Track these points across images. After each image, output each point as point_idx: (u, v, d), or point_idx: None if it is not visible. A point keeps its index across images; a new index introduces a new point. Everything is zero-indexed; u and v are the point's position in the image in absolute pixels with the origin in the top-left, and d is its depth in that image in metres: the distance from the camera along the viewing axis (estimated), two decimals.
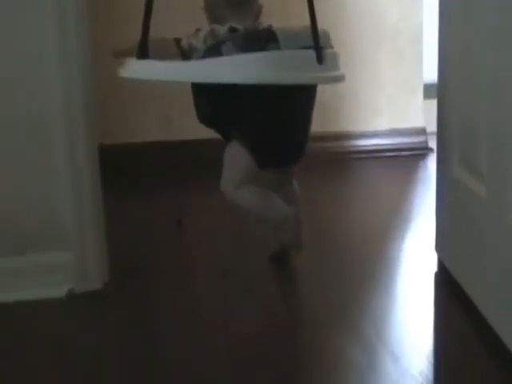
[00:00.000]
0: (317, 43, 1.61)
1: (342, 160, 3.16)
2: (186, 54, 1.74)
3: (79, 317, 1.71)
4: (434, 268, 1.90)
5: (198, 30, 1.79)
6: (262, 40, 1.65)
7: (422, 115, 3.29)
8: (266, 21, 1.84)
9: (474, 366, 1.40)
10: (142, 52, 1.62)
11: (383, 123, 3.30)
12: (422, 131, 3.30)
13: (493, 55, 1.43)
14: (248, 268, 1.94)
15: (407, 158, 3.22)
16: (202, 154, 2.92)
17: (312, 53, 1.60)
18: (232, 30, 1.72)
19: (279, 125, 1.79)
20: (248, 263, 1.97)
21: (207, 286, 1.84)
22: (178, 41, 1.77)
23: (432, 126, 1.94)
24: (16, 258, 1.78)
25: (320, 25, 1.67)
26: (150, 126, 3.13)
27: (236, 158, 1.81)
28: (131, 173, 2.98)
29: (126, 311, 1.71)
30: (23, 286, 1.77)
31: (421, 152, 3.24)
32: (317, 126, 1.97)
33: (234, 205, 1.88)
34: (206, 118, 1.87)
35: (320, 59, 1.60)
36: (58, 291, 1.78)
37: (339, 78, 1.68)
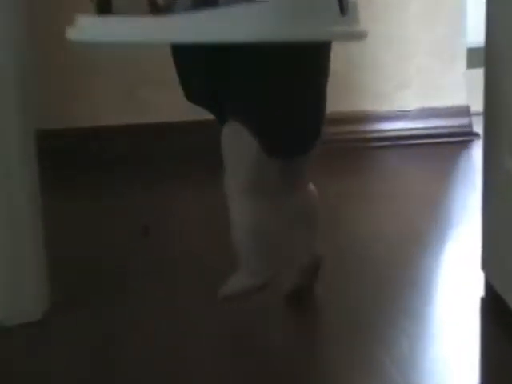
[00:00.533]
0: None
1: (359, 149, 3.20)
2: (161, 11, 1.63)
3: (9, 354, 1.73)
4: (480, 291, 1.88)
5: None
6: None
7: (463, 90, 3.28)
8: None
9: None
10: (103, 4, 1.56)
11: (412, 101, 3.28)
12: (463, 111, 3.29)
13: None
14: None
15: (444, 147, 3.21)
16: (174, 141, 3.03)
17: (333, 1, 1.55)
18: None
19: (292, 97, 1.75)
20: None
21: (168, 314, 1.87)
22: None
23: (477, 105, 1.91)
24: None
25: None
26: (107, 105, 3.13)
27: (240, 145, 1.75)
28: (82, 165, 3.02)
29: (66, 347, 1.76)
30: None
31: (462, 138, 3.26)
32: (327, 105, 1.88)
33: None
34: (197, 94, 1.81)
35: (343, 9, 1.58)
36: None
37: (363, 34, 1.66)
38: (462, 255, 2.11)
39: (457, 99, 3.29)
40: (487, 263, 1.88)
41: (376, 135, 3.25)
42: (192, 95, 1.82)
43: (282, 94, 1.73)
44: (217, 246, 2.15)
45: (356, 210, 2.52)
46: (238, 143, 1.75)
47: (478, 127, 2.62)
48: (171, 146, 3.08)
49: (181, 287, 1.99)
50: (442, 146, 3.21)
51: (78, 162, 3.04)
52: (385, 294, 1.93)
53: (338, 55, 1.74)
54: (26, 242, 1.82)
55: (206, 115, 1.84)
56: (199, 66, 1.77)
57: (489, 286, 1.85)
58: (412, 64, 3.26)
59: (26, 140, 1.81)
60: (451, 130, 3.27)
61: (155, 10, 1.65)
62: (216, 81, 1.75)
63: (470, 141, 3.19)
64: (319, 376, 1.61)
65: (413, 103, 3.28)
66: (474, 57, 2.97)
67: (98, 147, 3.09)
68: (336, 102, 1.79)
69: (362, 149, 3.18)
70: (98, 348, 1.71)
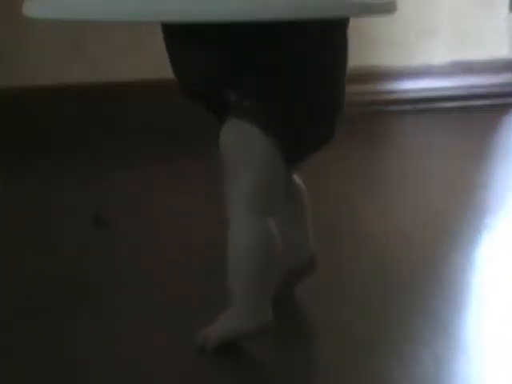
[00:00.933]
0: None
1: (377, 115, 3.19)
2: None
3: None
4: None
5: None
6: None
7: (506, 39, 3.25)
8: None
9: None
10: None
11: (440, 53, 3.27)
12: (507, 66, 3.26)
13: None
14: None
15: (481, 112, 3.18)
16: (130, 104, 3.08)
17: None
18: None
19: (312, 87, 1.78)
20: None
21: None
22: None
23: None
24: None
25: None
26: (53, 60, 3.17)
27: (249, 147, 1.76)
28: (19, 134, 3.05)
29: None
30: None
31: (505, 101, 3.21)
32: None
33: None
34: (198, 85, 1.82)
35: None
36: None
37: (393, 7, 1.70)
38: (500, 252, 2.11)
39: (497, 51, 3.29)
40: None
41: (393, 96, 3.28)
42: (190, 90, 1.87)
43: (298, 87, 1.80)
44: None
45: (366, 196, 2.51)
46: (245, 143, 1.79)
47: None
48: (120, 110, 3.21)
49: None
50: (477, 112, 3.19)
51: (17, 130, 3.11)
52: (403, 298, 1.96)
53: None
54: None
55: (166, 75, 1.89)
56: (201, 58, 1.82)
57: None
58: (440, 6, 3.27)
59: None
60: (490, 91, 3.26)
61: None
62: (222, 74, 1.80)
63: None
64: None
65: (441, 56, 3.30)
66: None
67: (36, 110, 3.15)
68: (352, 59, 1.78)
69: (375, 114, 3.21)
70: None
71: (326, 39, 1.80)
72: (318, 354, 1.85)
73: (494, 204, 2.44)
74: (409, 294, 1.96)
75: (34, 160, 2.97)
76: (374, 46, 3.29)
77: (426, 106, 3.22)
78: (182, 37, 1.82)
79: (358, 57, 2.98)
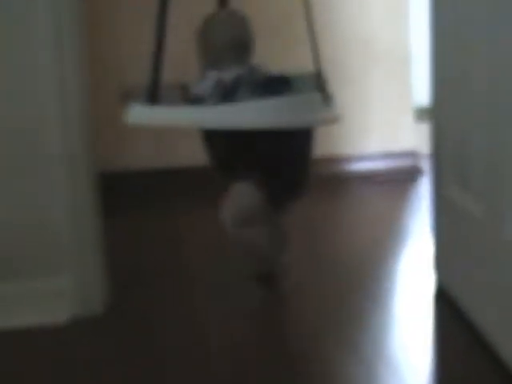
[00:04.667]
0: (323, 87, 1.75)
1: (334, 183, 3.21)
2: (194, 101, 1.79)
3: (82, 341, 1.78)
4: (433, 287, 1.99)
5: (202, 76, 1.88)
6: (277, 84, 1.74)
7: (412, 137, 3.40)
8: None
9: (474, 382, 1.46)
10: (153, 97, 1.65)
11: (375, 146, 3.40)
12: (412, 153, 3.39)
13: (486, 75, 1.55)
14: (245, 286, 2.02)
15: (399, 181, 3.26)
16: (196, 180, 3.02)
17: (319, 95, 1.72)
18: (237, 78, 1.80)
19: (292, 159, 1.89)
20: (244, 281, 2.04)
21: (207, 308, 1.92)
22: (183, 87, 1.84)
23: (422, 149, 1.97)
24: (16, 284, 1.90)
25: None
26: (144, 152, 3.21)
27: (245, 196, 1.84)
28: (131, 198, 3.07)
29: (128, 334, 1.79)
30: (25, 311, 1.88)
31: (412, 175, 3.32)
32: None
33: (235, 241, 1.93)
34: (223, 162, 1.91)
35: (327, 101, 1.73)
36: (61, 316, 1.87)
37: (339, 117, 1.78)
38: (418, 260, 2.21)
39: (407, 144, 3.39)
40: (437, 265, 2.02)
41: (345, 172, 3.33)
42: (221, 169, 1.93)
43: (286, 158, 1.86)
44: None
45: (331, 229, 2.60)
46: (246, 194, 1.83)
47: (424, 166, 2.65)
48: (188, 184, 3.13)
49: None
50: (397, 180, 3.26)
51: (123, 194, 3.05)
52: (358, 288, 2.01)
53: None
54: (93, 254, 1.91)
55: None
56: (228, 141, 1.83)
57: (439, 283, 1.98)
58: (374, 117, 3.39)
59: (89, 178, 1.91)
60: (403, 168, 3.36)
61: (188, 100, 1.78)
62: (240, 152, 1.84)
63: (418, 176, 3.31)
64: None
65: (374, 147, 3.39)
66: (419, 112, 3.05)
67: (135, 185, 3.15)
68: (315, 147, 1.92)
69: (335, 183, 3.21)
70: (147, 340, 1.76)
71: (299, 137, 1.86)
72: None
73: (411, 236, 2.50)
74: (359, 290, 2.00)
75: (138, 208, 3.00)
76: (334, 140, 3.31)
77: (367, 178, 3.30)
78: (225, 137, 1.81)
79: (325, 147, 3.12)
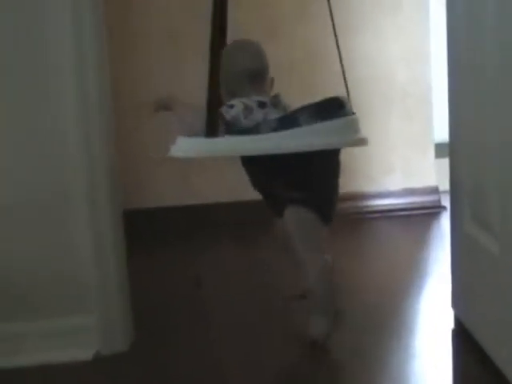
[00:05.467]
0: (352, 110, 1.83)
1: (357, 219, 3.19)
2: (229, 127, 1.78)
3: (106, 378, 1.78)
4: (451, 324, 1.97)
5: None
6: (336, 108, 1.77)
7: (434, 174, 3.39)
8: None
9: None
10: (212, 130, 1.71)
11: (397, 183, 3.39)
12: (434, 190, 3.39)
13: (503, 113, 1.54)
14: (265, 323, 2.03)
15: (421, 217, 3.25)
16: (219, 217, 3.06)
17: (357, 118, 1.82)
18: (261, 103, 1.84)
19: (332, 186, 1.93)
20: (265, 318, 2.06)
21: (231, 346, 1.92)
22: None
23: (445, 185, 1.99)
24: (42, 322, 1.91)
25: (334, 88, 1.86)
26: (168, 190, 3.22)
27: (306, 221, 1.86)
28: (148, 236, 3.05)
29: (152, 372, 1.79)
30: (51, 348, 1.89)
31: (434, 210, 3.30)
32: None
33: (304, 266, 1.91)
34: (274, 190, 1.90)
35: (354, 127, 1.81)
36: (85, 353, 1.89)
37: (366, 141, 1.84)
38: (437, 297, 2.20)
39: (429, 181, 3.39)
40: (455, 303, 2.02)
41: (369, 209, 3.33)
42: (271, 202, 1.94)
43: (328, 185, 1.91)
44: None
45: (354, 265, 2.55)
46: (301, 218, 1.84)
47: (446, 202, 2.66)
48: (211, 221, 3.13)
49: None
50: (419, 217, 3.27)
51: (147, 230, 3.08)
52: (378, 324, 2.01)
53: (342, 150, 1.85)
54: (117, 292, 1.93)
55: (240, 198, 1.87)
56: (280, 167, 1.82)
57: (457, 320, 1.97)
58: (396, 155, 3.40)
59: (113, 216, 1.92)
60: (425, 205, 3.34)
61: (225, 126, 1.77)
62: (291, 177, 1.84)
63: (440, 212, 3.28)
64: None
65: (397, 184, 3.40)
66: (441, 149, 3.05)
67: (161, 222, 3.17)
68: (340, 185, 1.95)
69: (358, 219, 3.21)
70: (169, 377, 1.77)
71: (330, 158, 1.88)
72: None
73: (430, 273, 2.49)
74: (379, 327, 2.00)
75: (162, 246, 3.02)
76: (358, 178, 3.31)
77: (390, 214, 3.32)
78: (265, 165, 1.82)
79: (349, 185, 3.14)
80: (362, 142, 1.81)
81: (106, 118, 1.91)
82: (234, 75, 1.89)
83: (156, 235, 3.12)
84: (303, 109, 1.78)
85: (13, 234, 1.88)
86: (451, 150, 1.98)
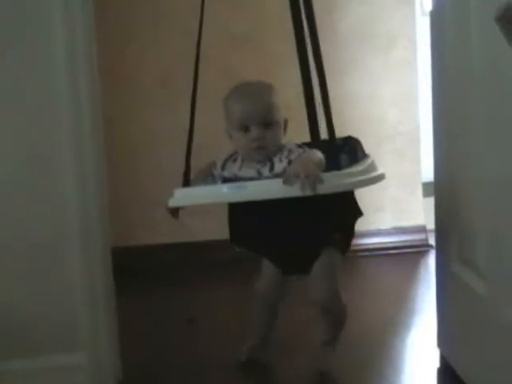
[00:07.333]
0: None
1: (346, 258, 3.06)
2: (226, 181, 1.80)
3: None
4: (437, 363, 1.96)
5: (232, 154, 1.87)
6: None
7: (421, 213, 3.39)
8: None
9: None
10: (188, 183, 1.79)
11: (386, 221, 3.40)
12: (422, 229, 3.40)
13: (488, 153, 1.54)
14: (263, 365, 2.01)
15: (409, 255, 3.25)
16: (211, 255, 3.07)
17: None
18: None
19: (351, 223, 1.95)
20: (264, 359, 2.03)
21: None
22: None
23: (433, 224, 1.98)
24: (30, 360, 1.88)
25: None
26: (158, 228, 3.16)
27: (339, 264, 1.90)
28: (141, 274, 3.05)
29: None
30: None
31: (422, 249, 3.30)
32: None
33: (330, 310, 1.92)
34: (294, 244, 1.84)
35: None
36: None
37: (383, 176, 1.85)
38: (423, 335, 2.19)
39: (417, 220, 3.41)
40: (441, 341, 2.01)
41: (358, 247, 3.25)
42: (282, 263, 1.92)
43: (349, 224, 1.93)
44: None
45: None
46: (336, 260, 1.87)
47: (433, 241, 2.64)
48: (202, 259, 3.14)
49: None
50: (407, 255, 3.26)
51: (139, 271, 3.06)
52: (363, 363, 2.00)
53: None
54: (106, 330, 1.91)
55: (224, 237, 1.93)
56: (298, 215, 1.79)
57: (443, 359, 1.96)
58: (385, 194, 3.38)
59: (103, 255, 1.91)
60: (413, 243, 3.35)
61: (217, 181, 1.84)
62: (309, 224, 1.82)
63: (427, 251, 3.27)
64: None
65: (386, 223, 3.41)
66: (429, 188, 3.03)
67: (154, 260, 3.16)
68: None
69: (347, 258, 3.11)
70: None
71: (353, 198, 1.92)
72: None
73: (417, 311, 2.48)
74: (364, 365, 1.99)
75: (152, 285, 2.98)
76: None
77: (378, 253, 3.30)
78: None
79: None
80: (383, 176, 1.81)
81: (100, 157, 1.90)
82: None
83: (150, 273, 3.09)
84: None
85: (9, 272, 1.86)
86: (436, 189, 1.97)
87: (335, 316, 1.95)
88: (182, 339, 2.27)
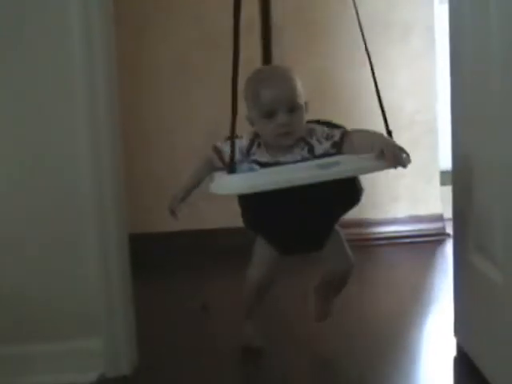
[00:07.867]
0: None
1: (363, 246, 3.13)
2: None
3: None
4: (453, 352, 1.96)
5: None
6: None
7: (439, 202, 3.38)
8: None
9: None
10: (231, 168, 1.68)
11: (402, 210, 3.39)
12: (439, 217, 3.38)
13: (506, 141, 1.53)
14: (272, 348, 2.00)
15: (426, 244, 3.24)
16: (224, 242, 3.08)
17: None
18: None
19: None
20: (272, 343, 2.03)
21: (237, 372, 1.93)
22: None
23: (450, 212, 1.97)
24: (47, 345, 1.90)
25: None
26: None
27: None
28: (154, 260, 3.03)
29: None
30: (55, 370, 1.89)
31: (438, 238, 3.29)
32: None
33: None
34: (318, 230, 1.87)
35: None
36: (89, 376, 1.88)
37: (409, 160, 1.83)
38: (439, 324, 2.18)
39: (434, 209, 3.39)
40: (458, 331, 2.01)
41: (375, 236, 3.31)
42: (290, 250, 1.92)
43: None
44: None
45: (358, 292, 2.50)
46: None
47: (450, 229, 2.62)
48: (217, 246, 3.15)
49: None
50: (423, 244, 3.25)
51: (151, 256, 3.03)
52: (380, 353, 1.99)
53: None
54: (123, 316, 1.92)
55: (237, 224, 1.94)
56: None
57: (459, 348, 1.96)
58: (402, 183, 3.37)
59: (120, 241, 1.92)
60: (430, 232, 3.34)
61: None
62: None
63: (444, 240, 3.26)
64: None
65: (402, 212, 3.39)
66: (446, 177, 3.01)
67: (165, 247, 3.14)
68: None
69: (364, 246, 3.15)
70: None
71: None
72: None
73: (433, 300, 2.47)
74: (381, 355, 1.98)
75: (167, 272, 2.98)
76: (364, 205, 3.23)
77: (395, 241, 3.29)
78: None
79: (355, 212, 3.08)
80: (408, 160, 1.76)
81: (116, 143, 1.91)
82: (269, 101, 1.73)
83: (163, 260, 3.09)
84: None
85: (28, 260, 1.87)
86: (454, 178, 1.97)
87: (347, 278, 1.96)
88: (195, 326, 2.26)
